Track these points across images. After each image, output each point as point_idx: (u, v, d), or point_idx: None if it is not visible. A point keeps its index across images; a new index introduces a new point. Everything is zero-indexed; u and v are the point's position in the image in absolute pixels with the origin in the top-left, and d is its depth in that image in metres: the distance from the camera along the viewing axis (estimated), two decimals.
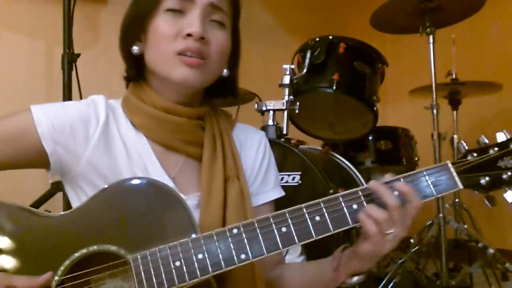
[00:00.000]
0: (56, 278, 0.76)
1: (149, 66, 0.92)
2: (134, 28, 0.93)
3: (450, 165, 0.82)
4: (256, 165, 1.02)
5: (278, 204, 1.03)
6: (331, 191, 1.68)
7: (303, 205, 0.79)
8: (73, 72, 1.96)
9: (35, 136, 0.85)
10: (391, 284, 1.93)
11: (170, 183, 0.89)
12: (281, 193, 1.05)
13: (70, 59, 1.95)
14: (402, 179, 0.82)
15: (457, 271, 2.42)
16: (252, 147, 1.03)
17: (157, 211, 0.80)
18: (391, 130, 2.36)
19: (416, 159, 2.40)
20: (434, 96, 2.20)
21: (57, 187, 1.89)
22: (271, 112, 1.84)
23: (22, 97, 2.29)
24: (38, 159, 0.86)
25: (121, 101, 0.97)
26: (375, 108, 2.00)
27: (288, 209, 0.79)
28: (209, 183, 0.92)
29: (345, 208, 0.80)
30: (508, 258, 2.10)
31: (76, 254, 0.77)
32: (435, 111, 2.21)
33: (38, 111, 0.86)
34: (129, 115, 0.93)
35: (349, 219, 0.79)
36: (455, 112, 2.54)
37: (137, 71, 0.96)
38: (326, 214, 0.79)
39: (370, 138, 2.27)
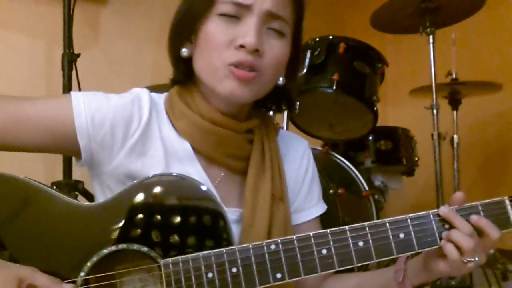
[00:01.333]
0: (82, 274, 0.74)
1: (197, 72, 0.86)
2: (185, 29, 0.86)
3: (507, 202, 0.78)
4: (299, 179, 0.97)
5: None
6: (331, 191, 1.68)
7: (346, 227, 0.74)
8: (73, 72, 1.96)
9: (71, 128, 0.81)
10: None
11: (214, 192, 0.83)
12: (324, 208, 0.99)
13: (70, 59, 1.94)
14: (455, 211, 0.76)
15: None
16: (295, 159, 0.98)
17: (194, 214, 0.76)
18: (391, 130, 2.36)
19: (416, 159, 2.40)
20: (434, 96, 2.20)
21: (57, 187, 1.88)
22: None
23: None
24: (70, 149, 0.83)
25: (164, 99, 0.91)
26: (375, 108, 2.00)
27: (331, 229, 0.74)
28: (254, 201, 0.86)
29: (391, 236, 0.74)
30: (508, 258, 2.09)
31: (105, 251, 0.75)
32: (435, 111, 2.21)
33: (79, 100, 0.81)
34: (172, 118, 0.88)
35: (394, 248, 0.74)
36: (455, 112, 2.54)
37: (185, 74, 0.90)
38: (370, 241, 0.74)
39: (370, 138, 2.27)
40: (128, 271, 0.77)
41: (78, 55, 1.97)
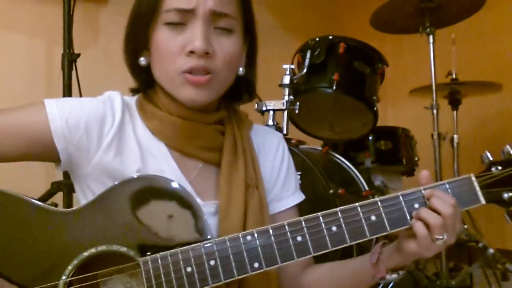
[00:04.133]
0: (63, 277, 0.75)
1: (157, 80, 0.88)
2: (138, 40, 0.88)
3: (474, 178, 0.80)
4: (275, 170, 0.99)
5: None
6: (331, 191, 1.68)
7: (319, 213, 0.77)
8: (73, 72, 1.96)
9: (47, 132, 0.82)
10: (391, 284, 1.92)
11: (188, 187, 0.86)
12: (302, 197, 1.01)
13: (70, 59, 1.94)
14: (423, 190, 0.78)
15: (457, 271, 2.42)
16: (270, 151, 1.00)
17: (170, 212, 0.78)
18: (391, 130, 2.36)
19: (416, 159, 2.40)
20: (434, 96, 2.20)
21: (57, 187, 1.89)
22: (271, 112, 1.83)
23: (22, 97, 2.28)
24: (48, 154, 0.84)
25: (135, 101, 0.93)
26: (375, 108, 2.00)
27: (304, 217, 0.77)
28: (228, 191, 0.88)
29: (363, 219, 0.76)
30: (508, 258, 2.09)
31: (85, 254, 0.76)
32: (435, 111, 2.21)
33: (52, 106, 0.83)
34: (144, 119, 0.90)
35: (366, 231, 0.76)
36: (455, 112, 2.54)
37: (146, 82, 0.91)
38: (343, 225, 0.76)
39: (370, 138, 2.27)
40: (109, 273, 0.78)
41: (78, 55, 1.97)
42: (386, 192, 2.34)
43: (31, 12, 2.40)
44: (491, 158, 0.82)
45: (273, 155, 1.00)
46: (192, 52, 0.81)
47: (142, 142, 0.88)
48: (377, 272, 0.82)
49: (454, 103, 2.53)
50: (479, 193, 0.79)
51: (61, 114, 0.83)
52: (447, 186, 0.79)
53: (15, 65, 2.36)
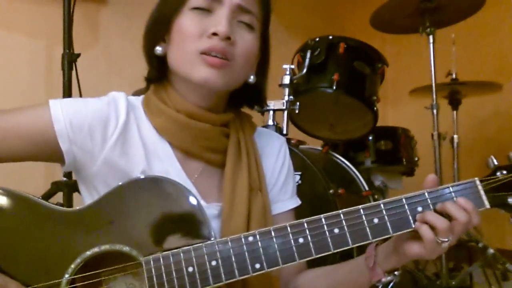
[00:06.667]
0: (66, 276, 0.75)
1: (171, 66, 0.89)
2: (159, 28, 0.90)
3: (478, 182, 0.79)
4: (275, 173, 0.99)
5: None
6: (331, 191, 1.68)
7: (322, 216, 0.76)
8: (73, 72, 1.96)
9: (51, 133, 0.82)
10: (391, 284, 1.92)
11: (192, 189, 0.86)
12: (298, 203, 1.02)
13: (70, 59, 1.94)
14: (426, 194, 0.78)
15: (457, 271, 2.42)
16: (272, 154, 1.01)
17: (172, 212, 0.78)
18: (391, 130, 2.36)
19: (416, 159, 2.40)
20: (434, 96, 2.20)
21: (57, 187, 1.89)
22: (271, 112, 1.83)
23: (22, 97, 2.28)
24: (53, 155, 0.85)
25: (142, 100, 0.94)
26: (375, 108, 2.00)
27: (307, 219, 0.76)
28: (232, 194, 0.88)
29: (365, 222, 0.76)
30: (508, 258, 2.10)
31: (88, 253, 0.76)
32: (435, 111, 2.21)
33: (56, 107, 0.84)
34: (150, 116, 0.90)
35: (369, 233, 0.76)
36: (455, 112, 2.54)
37: (159, 72, 0.93)
38: (345, 227, 0.75)
39: (370, 138, 2.27)
40: (112, 272, 0.78)
41: (78, 55, 1.97)
42: (386, 192, 2.34)
43: (31, 12, 2.40)
44: (496, 163, 0.82)
45: (274, 158, 1.00)
46: (214, 34, 0.83)
47: (147, 142, 0.88)
48: (374, 275, 0.82)
49: (454, 103, 2.53)
50: (484, 197, 0.78)
51: (65, 115, 0.83)
52: (451, 189, 0.78)
53: (15, 65, 2.36)
